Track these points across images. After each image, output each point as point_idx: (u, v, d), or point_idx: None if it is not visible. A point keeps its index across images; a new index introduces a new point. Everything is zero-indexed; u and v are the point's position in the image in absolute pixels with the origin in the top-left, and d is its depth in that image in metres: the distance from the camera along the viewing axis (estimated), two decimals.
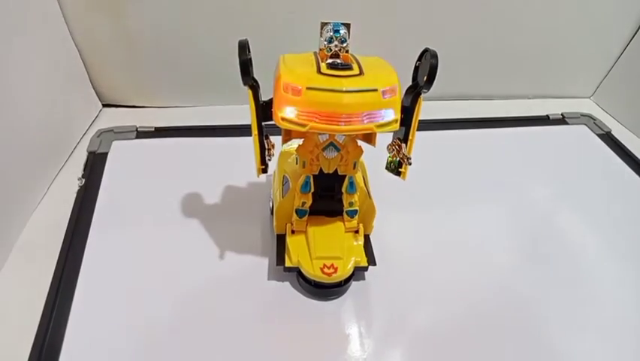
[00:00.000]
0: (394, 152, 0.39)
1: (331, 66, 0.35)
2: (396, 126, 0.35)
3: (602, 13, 0.75)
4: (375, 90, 0.33)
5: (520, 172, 0.63)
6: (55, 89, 0.61)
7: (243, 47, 0.35)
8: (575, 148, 0.70)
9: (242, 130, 0.62)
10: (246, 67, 0.35)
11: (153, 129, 0.66)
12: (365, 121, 0.34)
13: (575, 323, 0.45)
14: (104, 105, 0.74)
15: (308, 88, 0.33)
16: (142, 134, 0.65)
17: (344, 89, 0.33)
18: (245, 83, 0.36)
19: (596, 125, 0.75)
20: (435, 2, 0.70)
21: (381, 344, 0.42)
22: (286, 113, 0.34)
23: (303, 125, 0.33)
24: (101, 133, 0.65)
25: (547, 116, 0.75)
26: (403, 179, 0.40)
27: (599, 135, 0.72)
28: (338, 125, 0.33)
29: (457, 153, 0.66)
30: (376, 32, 0.58)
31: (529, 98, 0.84)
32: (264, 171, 0.40)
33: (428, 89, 0.36)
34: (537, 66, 0.80)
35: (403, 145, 0.38)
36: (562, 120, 0.75)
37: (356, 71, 0.34)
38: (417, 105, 0.37)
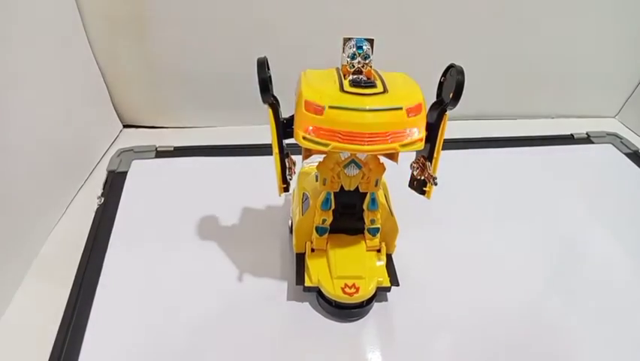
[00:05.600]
0: (418, 170, 0.38)
1: (354, 83, 0.34)
2: (421, 145, 0.34)
3: (626, 31, 0.74)
4: (400, 109, 0.33)
5: (546, 192, 0.62)
6: (78, 109, 0.62)
7: (262, 65, 0.34)
8: (602, 167, 0.68)
9: (261, 150, 0.62)
10: (265, 85, 0.34)
11: (172, 149, 0.66)
12: (389, 140, 0.33)
13: (606, 352, 0.42)
14: (125, 126, 0.75)
15: (330, 107, 0.32)
16: (161, 153, 0.65)
17: (367, 107, 0.32)
18: (264, 102, 0.35)
19: (623, 144, 0.73)
20: (458, 21, 0.70)
21: None
22: (307, 131, 0.33)
23: (325, 145, 0.33)
24: (120, 152, 0.65)
25: (572, 135, 0.74)
26: (427, 198, 0.39)
27: (626, 154, 0.70)
28: (361, 144, 0.32)
29: (481, 172, 0.65)
30: (398, 48, 0.58)
31: (553, 118, 0.82)
32: (286, 190, 0.39)
33: (454, 105, 0.35)
34: (561, 85, 0.79)
35: (428, 163, 0.37)
36: (587, 139, 0.73)
37: (380, 88, 0.34)
38: (442, 122, 0.36)
